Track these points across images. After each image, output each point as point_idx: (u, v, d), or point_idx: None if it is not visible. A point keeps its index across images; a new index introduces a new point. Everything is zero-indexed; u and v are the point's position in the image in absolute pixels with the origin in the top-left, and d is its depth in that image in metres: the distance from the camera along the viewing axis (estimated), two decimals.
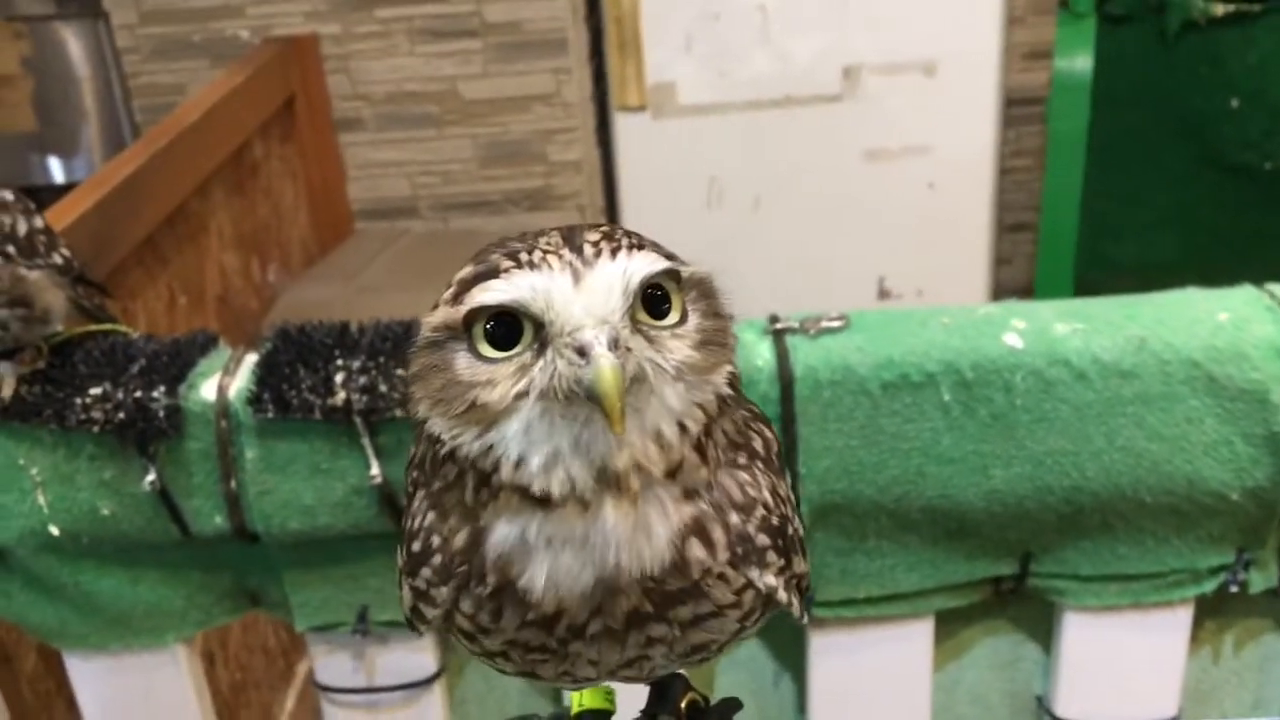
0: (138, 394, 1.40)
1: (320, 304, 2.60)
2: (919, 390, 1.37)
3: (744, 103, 3.34)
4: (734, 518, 0.65)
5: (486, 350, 0.61)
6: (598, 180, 3.47)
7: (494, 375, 0.61)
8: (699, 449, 0.63)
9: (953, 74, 3.31)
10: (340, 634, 1.56)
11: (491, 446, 0.61)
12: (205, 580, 1.54)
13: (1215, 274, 1.46)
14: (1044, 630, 1.59)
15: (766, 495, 0.66)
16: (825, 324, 1.41)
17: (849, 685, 1.58)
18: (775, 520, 0.67)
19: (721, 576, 0.64)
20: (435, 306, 0.64)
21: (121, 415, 1.40)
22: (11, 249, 1.34)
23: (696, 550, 0.63)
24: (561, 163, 3.40)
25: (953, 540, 1.47)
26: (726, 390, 0.65)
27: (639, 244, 0.63)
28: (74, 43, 3.28)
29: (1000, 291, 3.65)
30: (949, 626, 1.58)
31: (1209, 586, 1.48)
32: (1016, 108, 3.50)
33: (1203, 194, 3.48)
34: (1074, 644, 1.55)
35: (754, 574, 0.65)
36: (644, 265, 0.61)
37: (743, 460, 0.67)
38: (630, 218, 3.43)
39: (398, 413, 1.38)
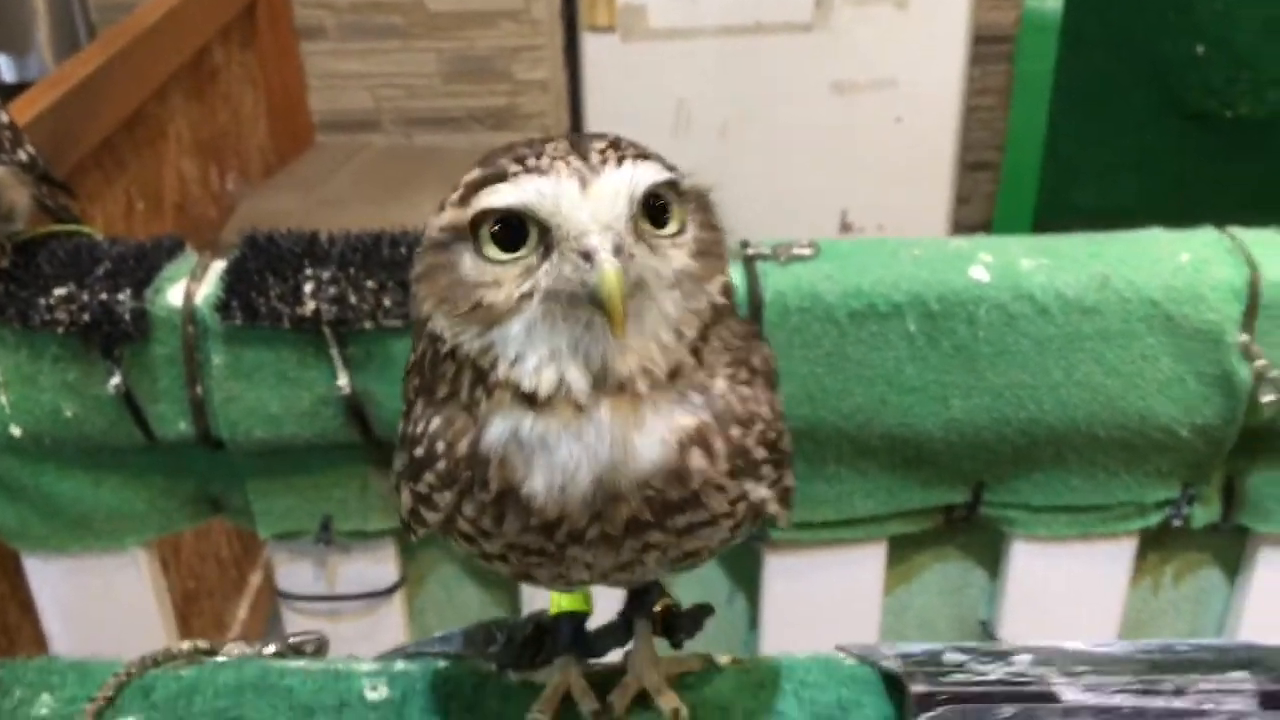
0: (103, 296, 1.38)
1: (280, 215, 2.57)
2: (885, 320, 1.39)
3: (714, 28, 3.31)
4: (734, 430, 0.67)
5: (492, 252, 0.63)
6: (564, 101, 3.44)
7: (500, 276, 0.62)
8: (695, 353, 0.65)
9: (923, 8, 3.31)
10: (303, 542, 1.57)
11: (492, 344, 0.63)
12: (167, 485, 1.54)
13: (1172, 220, 1.49)
14: (992, 558, 1.63)
15: (765, 410, 0.68)
16: (796, 251, 1.42)
17: (801, 606, 1.62)
18: (772, 435, 0.69)
19: (720, 487, 0.66)
20: (441, 208, 0.65)
21: (86, 317, 1.38)
22: None
23: (698, 460, 0.65)
24: (527, 81, 3.36)
25: (909, 468, 1.50)
26: (720, 299, 0.67)
27: (643, 154, 0.64)
28: None
29: (959, 229, 3.68)
30: (901, 552, 1.62)
31: (1154, 520, 1.53)
32: (984, 45, 3.51)
33: (1164, 139, 3.52)
34: (1021, 572, 1.59)
35: (749, 486, 0.67)
36: (648, 174, 0.63)
37: (744, 376, 0.68)
38: None
39: (367, 324, 1.38)
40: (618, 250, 0.59)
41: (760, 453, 0.68)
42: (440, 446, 0.67)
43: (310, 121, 3.40)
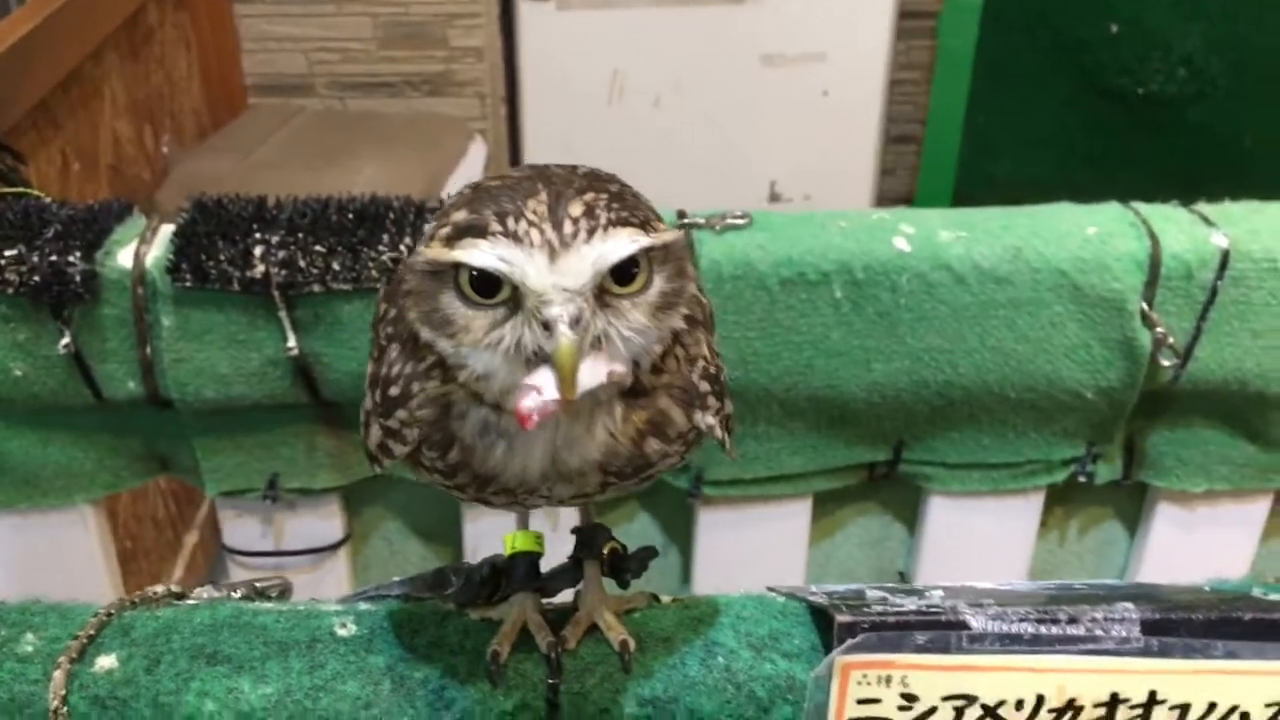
0: (53, 258, 1.40)
1: (215, 178, 2.57)
2: (814, 288, 1.47)
3: None
4: (682, 381, 0.74)
5: (470, 293, 0.68)
6: (499, 69, 3.46)
7: (471, 322, 0.68)
8: (655, 370, 0.73)
9: None
10: (249, 499, 1.61)
11: (465, 359, 0.70)
12: (115, 444, 1.57)
13: (1085, 194, 1.57)
14: (910, 512, 1.73)
15: (705, 350, 0.76)
16: (730, 221, 1.49)
17: (732, 558, 1.70)
18: (713, 369, 0.76)
19: (671, 441, 0.74)
20: (431, 236, 0.70)
21: (36, 278, 1.40)
22: None
23: (653, 444, 0.74)
24: (463, 48, 3.37)
25: (834, 427, 1.58)
26: (682, 326, 0.73)
27: (619, 220, 0.68)
28: None
29: (883, 201, 3.77)
30: (826, 506, 1.71)
31: (1060, 477, 1.63)
32: (909, 20, 3.59)
33: (1080, 116, 3.64)
34: (937, 525, 1.69)
35: (697, 416, 0.75)
36: (617, 250, 0.67)
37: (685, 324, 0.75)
38: (531, 110, 3.44)
39: (315, 288, 1.41)
40: (575, 322, 0.65)
41: (704, 386, 0.75)
42: (415, 388, 0.73)
43: (244, 84, 3.38)
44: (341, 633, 0.84)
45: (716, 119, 3.51)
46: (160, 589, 0.89)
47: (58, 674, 0.80)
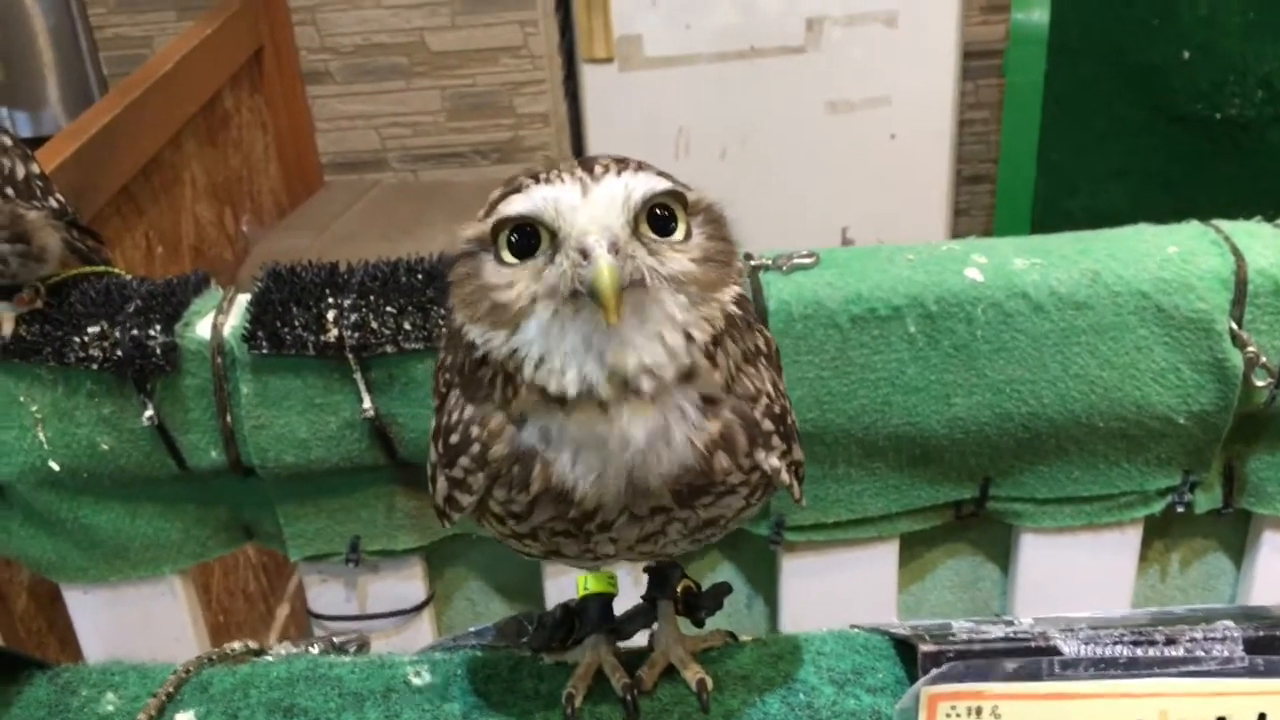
0: (135, 332, 1.44)
1: (294, 254, 2.62)
2: (886, 323, 1.44)
3: (709, 54, 3.39)
4: (747, 411, 0.72)
5: (509, 257, 0.69)
6: (565, 132, 3.51)
7: (514, 278, 0.68)
8: (709, 357, 0.70)
9: (913, 25, 3.37)
10: (333, 564, 1.62)
11: (516, 350, 0.69)
12: (201, 513, 1.59)
13: (1166, 222, 1.53)
14: (1002, 552, 1.68)
15: (769, 386, 0.74)
16: (797, 260, 1.47)
17: (818, 607, 1.66)
18: (777, 409, 0.74)
19: (740, 467, 0.72)
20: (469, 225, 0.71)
21: (119, 353, 1.44)
22: (10, 190, 1.38)
23: (722, 461, 0.71)
24: (529, 114, 3.44)
25: (917, 466, 1.54)
26: (734, 309, 0.72)
27: (646, 167, 0.71)
28: None
29: None
30: (913, 549, 1.66)
31: (1157, 507, 1.57)
32: (975, 60, 3.57)
33: (1155, 144, 3.57)
34: (1030, 564, 1.63)
35: (760, 456, 0.73)
36: (645, 182, 0.69)
37: (749, 357, 0.74)
38: None
39: (388, 348, 1.43)
40: (613, 248, 0.65)
41: (768, 424, 0.73)
42: (475, 432, 0.72)
43: (319, 163, 3.47)
44: (416, 681, 0.83)
45: (784, 168, 3.51)
46: (238, 645, 0.89)
47: None
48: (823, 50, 3.39)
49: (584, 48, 3.37)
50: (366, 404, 1.46)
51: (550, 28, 3.39)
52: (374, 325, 1.43)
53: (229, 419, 1.48)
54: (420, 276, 1.47)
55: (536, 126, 3.45)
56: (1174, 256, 1.43)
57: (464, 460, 0.73)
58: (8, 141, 1.41)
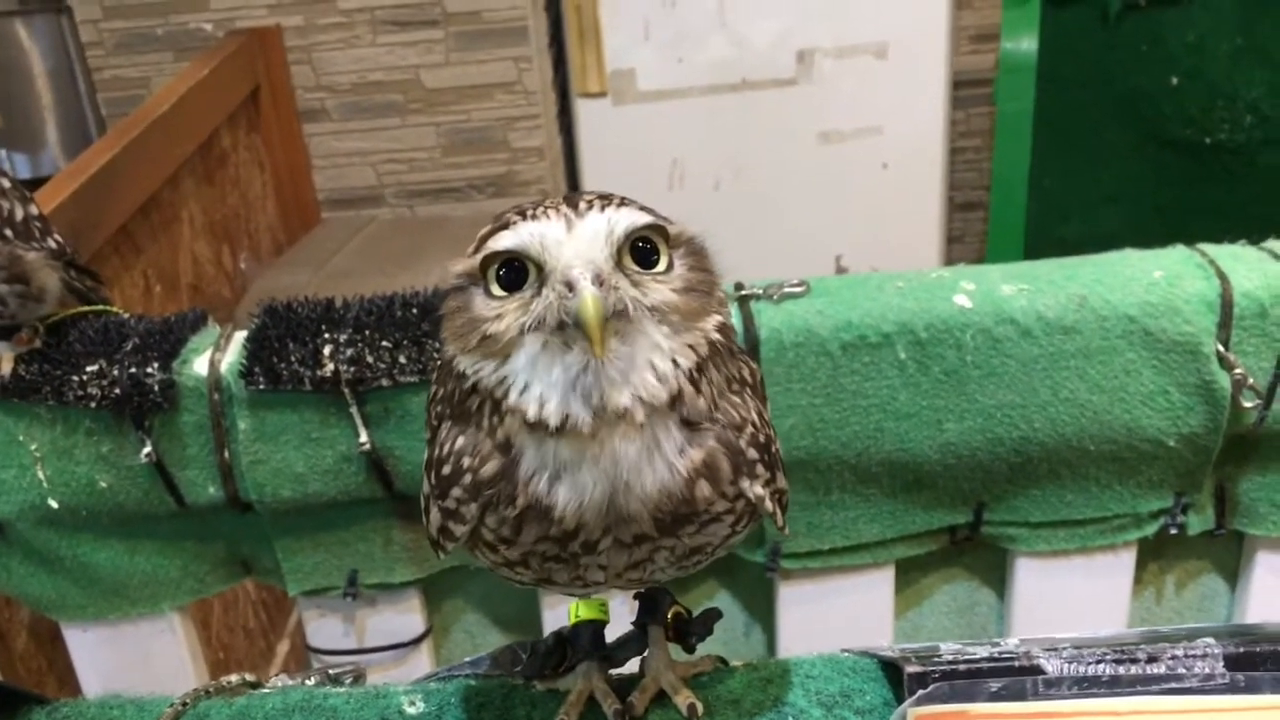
0: (132, 370, 1.45)
1: (292, 290, 2.64)
2: (876, 350, 1.46)
3: (702, 87, 3.42)
4: (728, 435, 0.74)
5: (498, 291, 0.70)
6: (560, 166, 3.55)
7: (502, 310, 0.70)
8: (693, 383, 0.72)
9: (903, 56, 3.41)
10: (331, 598, 1.62)
11: (504, 378, 0.70)
12: (200, 549, 1.60)
13: (1158, 247, 1.54)
14: (998, 576, 1.68)
15: (754, 415, 0.76)
16: (787, 289, 1.49)
17: (816, 633, 1.66)
18: (761, 438, 0.76)
19: (723, 495, 0.73)
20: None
21: (117, 391, 1.45)
22: (9, 232, 1.40)
23: (704, 489, 0.73)
24: (524, 149, 3.46)
25: (910, 492, 1.55)
26: (717, 336, 0.74)
27: (629, 203, 0.73)
28: (36, 39, 3.29)
29: None
30: (909, 575, 1.67)
31: (1150, 530, 1.58)
32: (965, 89, 3.61)
33: (1145, 170, 3.61)
34: (1026, 588, 1.64)
35: (744, 484, 0.74)
36: (628, 217, 0.71)
37: (734, 386, 0.75)
38: None
39: (384, 382, 1.44)
40: (597, 280, 0.67)
41: (752, 453, 0.75)
42: (466, 462, 0.74)
43: (316, 199, 3.50)
44: (411, 711, 0.84)
45: (777, 198, 3.54)
46: (235, 678, 0.90)
47: None
48: (814, 82, 3.43)
49: (578, 82, 3.41)
50: (363, 437, 1.47)
51: (544, 63, 3.43)
52: (370, 359, 1.45)
53: (226, 455, 1.49)
54: (415, 310, 1.48)
55: (531, 161, 3.48)
56: (1160, 280, 1.45)
57: (456, 491, 0.75)
58: (6, 184, 1.43)
